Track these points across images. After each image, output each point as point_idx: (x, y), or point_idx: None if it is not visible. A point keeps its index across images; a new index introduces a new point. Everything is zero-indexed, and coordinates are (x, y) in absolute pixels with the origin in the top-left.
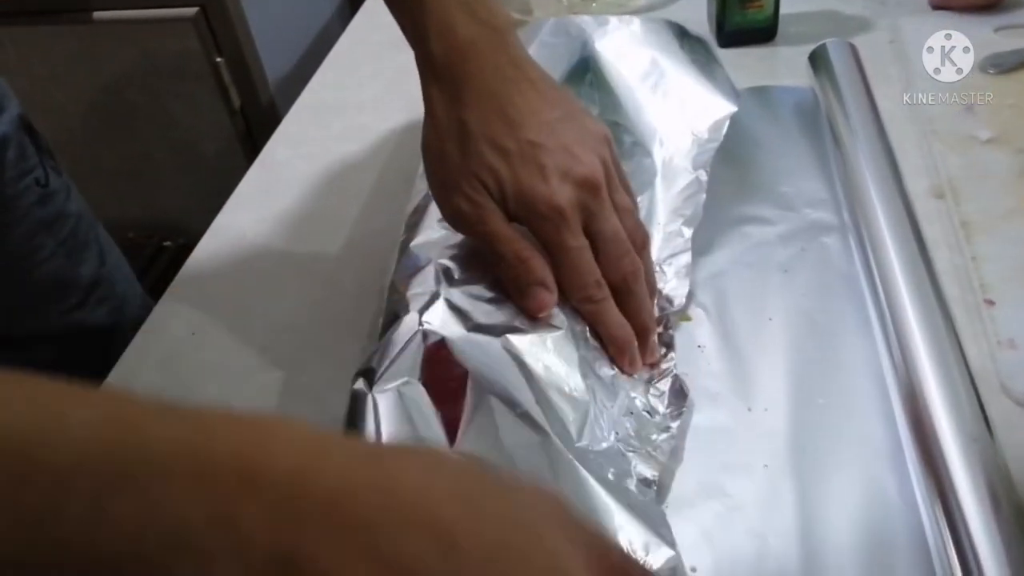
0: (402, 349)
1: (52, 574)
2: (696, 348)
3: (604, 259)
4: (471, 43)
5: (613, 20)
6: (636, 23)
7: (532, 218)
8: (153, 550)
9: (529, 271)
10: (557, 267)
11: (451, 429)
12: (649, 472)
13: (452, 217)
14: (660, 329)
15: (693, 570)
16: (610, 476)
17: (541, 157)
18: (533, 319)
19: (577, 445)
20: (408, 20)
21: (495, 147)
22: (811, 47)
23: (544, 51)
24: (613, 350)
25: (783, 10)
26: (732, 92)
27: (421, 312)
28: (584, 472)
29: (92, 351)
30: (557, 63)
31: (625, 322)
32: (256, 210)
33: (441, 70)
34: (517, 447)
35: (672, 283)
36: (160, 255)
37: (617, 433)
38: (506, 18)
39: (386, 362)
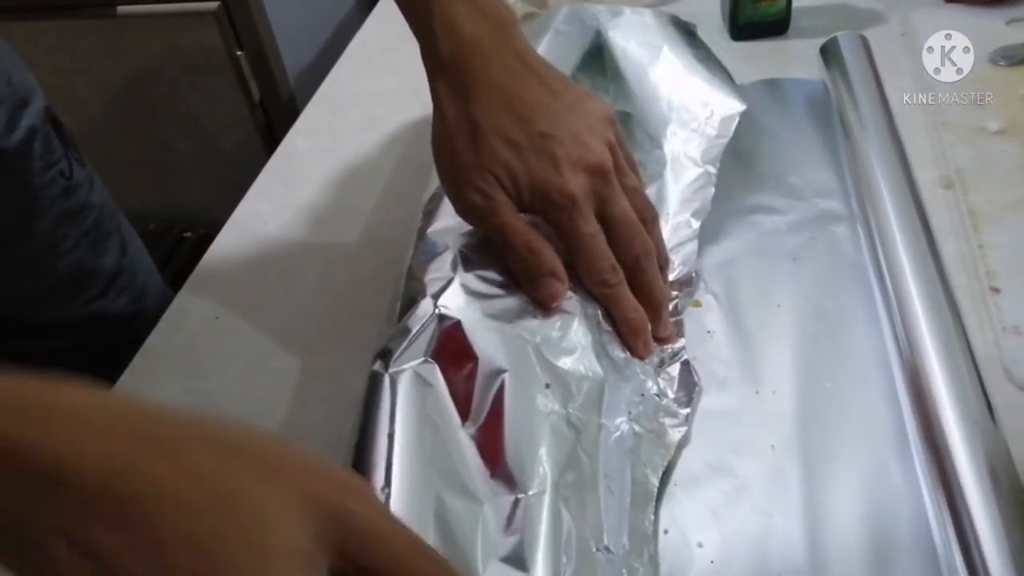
0: (419, 332)
1: None
2: (706, 334)
3: (616, 242)
4: (476, 39)
5: (627, 11)
6: (648, 15)
7: (546, 208)
8: None
9: (540, 262)
10: (572, 254)
11: (463, 408)
12: (659, 460)
13: (464, 211)
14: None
15: (700, 546)
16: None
17: (552, 148)
18: (546, 309)
19: (588, 422)
20: (414, 17)
21: (506, 141)
22: (823, 40)
23: (558, 39)
24: (627, 333)
25: (796, 3)
26: (738, 93)
27: (437, 296)
28: (590, 463)
29: (114, 340)
30: (570, 51)
31: (639, 306)
32: (275, 200)
33: (448, 66)
34: (525, 425)
35: (679, 271)
36: (181, 246)
37: (630, 413)
38: (509, 11)
39: (403, 344)
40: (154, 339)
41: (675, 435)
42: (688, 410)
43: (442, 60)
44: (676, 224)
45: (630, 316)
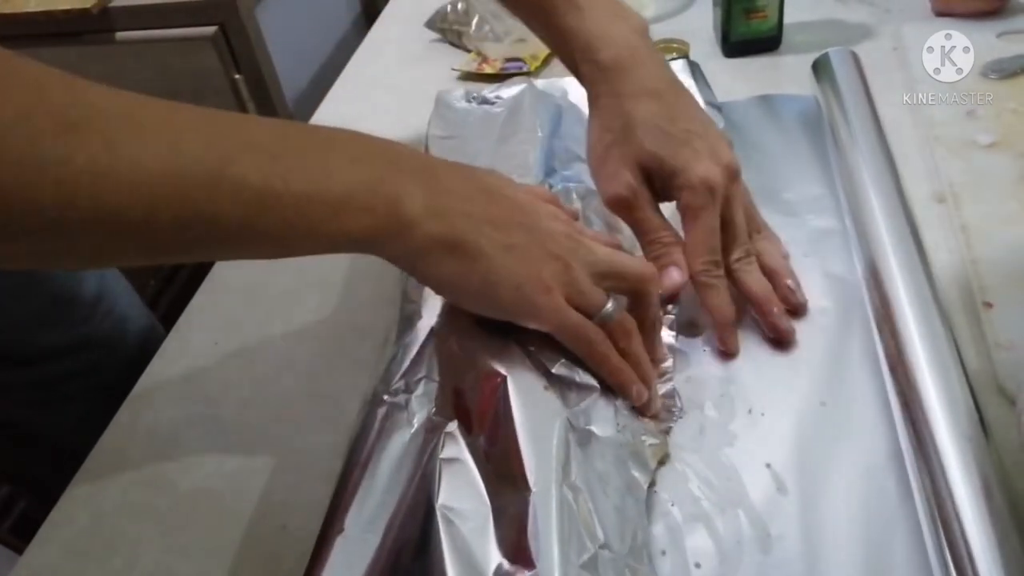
0: (418, 352)
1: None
2: (701, 351)
3: (725, 242)
4: (634, 48)
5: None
6: None
7: (685, 190)
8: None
9: (668, 255)
10: (688, 235)
11: (465, 420)
12: (641, 476)
13: (611, 203)
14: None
15: (697, 566)
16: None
17: (695, 143)
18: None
19: (584, 427)
20: (566, 34)
21: (658, 130)
22: (815, 55)
23: (536, 106)
24: (716, 322)
25: (787, 19)
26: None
27: (432, 314)
28: (586, 464)
29: (102, 363)
30: (541, 119)
31: (731, 301)
32: None
33: (610, 70)
34: (534, 422)
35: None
36: (181, 269)
37: (618, 424)
38: (641, 19)
39: (404, 365)
40: (155, 365)
41: (654, 454)
42: (667, 436)
43: (603, 66)
44: None
45: (722, 309)
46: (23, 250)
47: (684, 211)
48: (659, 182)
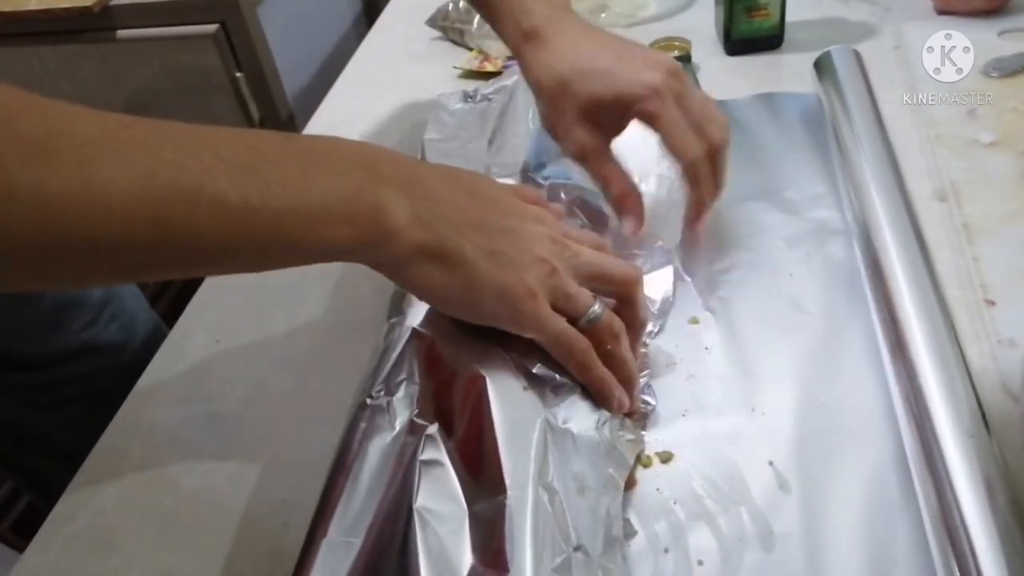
0: (399, 354)
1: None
2: (703, 350)
3: (695, 128)
4: (548, 15)
5: None
6: None
7: (635, 104)
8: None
9: (623, 207)
10: (664, 138)
11: (446, 423)
12: (617, 474)
13: (573, 160)
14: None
15: (700, 563)
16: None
17: (628, 62)
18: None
19: (562, 426)
20: (492, 9)
21: (589, 73)
22: (817, 54)
23: (529, 97)
24: (700, 208)
25: (789, 18)
26: None
27: (416, 317)
28: (563, 464)
29: (106, 367)
30: (533, 110)
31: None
32: None
33: (537, 41)
34: (512, 425)
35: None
36: None
37: (598, 421)
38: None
39: (387, 367)
40: (156, 363)
41: (632, 450)
42: (642, 428)
43: (529, 35)
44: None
45: (705, 198)
46: None
47: (646, 121)
48: (611, 116)
